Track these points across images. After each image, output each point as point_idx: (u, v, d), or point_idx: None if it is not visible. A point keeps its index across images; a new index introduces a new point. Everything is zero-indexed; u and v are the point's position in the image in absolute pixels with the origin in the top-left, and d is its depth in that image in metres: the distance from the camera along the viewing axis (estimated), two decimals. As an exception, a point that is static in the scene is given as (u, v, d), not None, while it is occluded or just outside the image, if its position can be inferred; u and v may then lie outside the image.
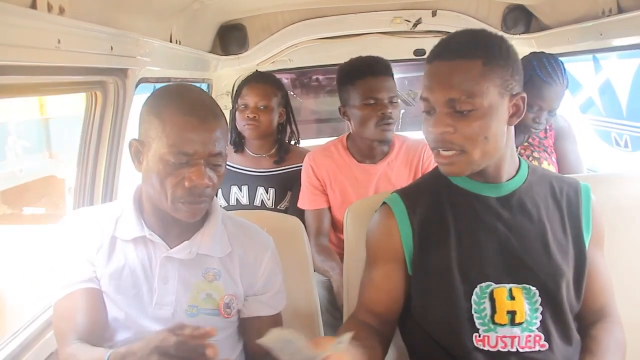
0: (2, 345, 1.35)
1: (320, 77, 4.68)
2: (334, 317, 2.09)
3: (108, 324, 1.36)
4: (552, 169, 2.38)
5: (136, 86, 1.89)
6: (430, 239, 1.35)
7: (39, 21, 1.20)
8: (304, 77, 4.65)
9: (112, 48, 1.52)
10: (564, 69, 2.22)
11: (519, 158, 1.41)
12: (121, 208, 1.39)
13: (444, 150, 1.28)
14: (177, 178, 1.26)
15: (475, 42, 1.28)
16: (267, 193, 2.47)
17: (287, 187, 2.49)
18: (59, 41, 1.24)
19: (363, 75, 2.15)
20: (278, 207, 2.47)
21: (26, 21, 1.16)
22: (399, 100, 2.19)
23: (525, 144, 2.41)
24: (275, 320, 1.48)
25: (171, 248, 1.36)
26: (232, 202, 2.50)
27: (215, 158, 1.28)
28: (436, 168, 1.47)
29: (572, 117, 2.77)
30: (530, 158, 2.38)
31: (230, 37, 2.88)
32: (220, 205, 2.46)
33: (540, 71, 2.17)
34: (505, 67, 1.26)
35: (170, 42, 2.17)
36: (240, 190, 2.49)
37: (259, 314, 1.46)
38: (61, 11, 1.29)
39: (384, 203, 1.43)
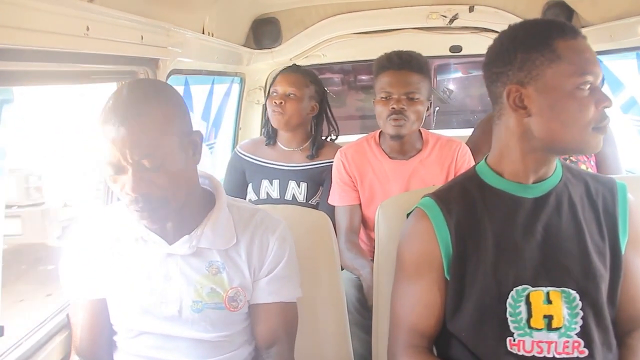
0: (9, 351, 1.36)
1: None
2: (362, 317, 2.05)
3: (107, 336, 1.40)
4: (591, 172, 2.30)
5: (167, 77, 1.88)
6: (466, 242, 1.31)
7: (68, 7, 1.19)
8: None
9: (142, 37, 1.52)
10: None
11: None
12: (124, 207, 1.36)
13: (607, 125, 1.25)
14: (120, 188, 1.23)
15: None
16: (299, 187, 2.45)
17: (319, 182, 2.46)
18: (87, 28, 1.24)
19: (385, 69, 2.12)
20: (310, 202, 2.45)
21: (55, 7, 1.16)
22: (422, 98, 2.12)
23: None
24: (282, 312, 1.41)
25: (171, 243, 1.34)
26: (263, 195, 2.48)
27: (149, 161, 1.20)
28: (468, 170, 1.44)
29: (613, 117, 2.68)
30: (567, 160, 2.30)
31: (264, 31, 2.87)
32: (250, 200, 2.49)
33: None
34: None
35: (203, 33, 2.16)
36: (272, 184, 2.48)
37: (259, 301, 1.40)
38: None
39: (417, 207, 1.38)
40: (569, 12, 2.71)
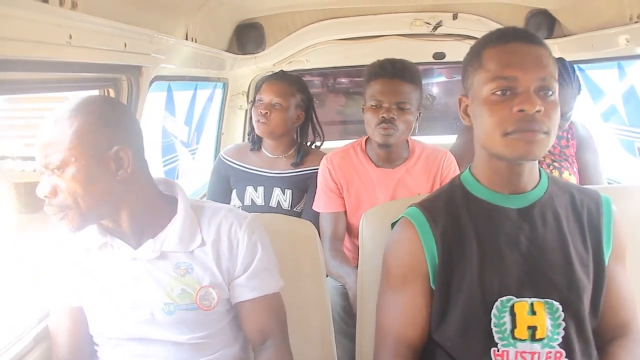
0: None
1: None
2: (347, 325, 2.04)
3: (87, 344, 1.41)
4: (573, 179, 2.32)
5: (150, 84, 1.86)
6: (452, 251, 1.31)
7: (51, 15, 1.17)
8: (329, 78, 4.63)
9: (125, 45, 1.49)
10: (573, 71, 2.17)
11: (539, 168, 1.36)
12: None
13: (530, 130, 1.21)
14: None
15: (534, 33, 1.29)
16: (284, 194, 2.44)
17: (304, 189, 2.45)
18: (70, 36, 1.22)
19: (377, 76, 2.11)
20: (294, 209, 2.44)
21: (37, 15, 1.13)
22: (413, 108, 2.12)
23: (546, 152, 2.34)
24: (268, 305, 1.42)
25: (136, 248, 1.35)
26: (247, 202, 2.47)
27: (53, 166, 1.24)
28: (453, 179, 1.43)
29: (593, 126, 2.71)
30: (551, 167, 2.31)
31: (248, 36, 2.85)
32: (235, 206, 2.47)
33: None
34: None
35: (186, 39, 2.14)
36: (256, 191, 2.46)
37: (242, 299, 1.40)
38: (74, 6, 1.26)
39: (402, 217, 1.38)
40: (551, 20, 2.74)
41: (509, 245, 1.29)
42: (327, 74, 4.52)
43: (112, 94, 1.72)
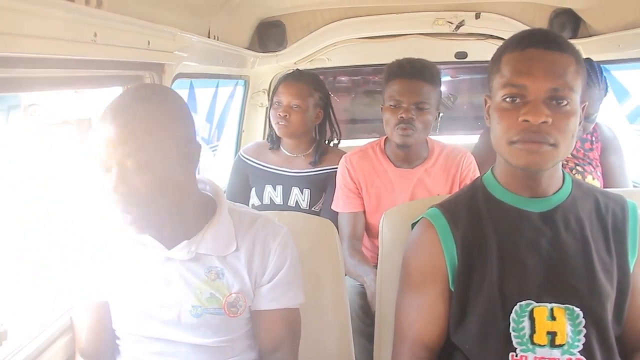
0: (12, 354, 1.35)
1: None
2: (365, 324, 2.04)
3: (110, 338, 1.41)
4: (597, 184, 2.28)
5: (173, 81, 1.88)
6: (472, 253, 1.30)
7: (77, 14, 1.18)
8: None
9: (149, 42, 1.51)
10: (601, 72, 2.14)
11: (562, 171, 1.35)
12: None
13: (533, 141, 1.19)
14: (104, 188, 1.24)
15: (565, 39, 1.25)
16: (302, 194, 2.44)
17: (322, 188, 2.45)
18: (95, 34, 1.23)
19: (396, 76, 2.10)
20: (312, 209, 2.44)
21: (63, 13, 1.14)
22: (432, 108, 2.10)
23: (569, 155, 2.31)
24: (285, 318, 1.40)
25: (170, 248, 1.33)
26: (266, 201, 2.47)
27: (133, 162, 1.19)
28: (475, 181, 1.42)
29: (619, 127, 2.66)
30: (574, 172, 2.28)
31: (269, 34, 2.85)
32: (253, 204, 2.48)
33: None
34: (584, 71, 1.25)
35: (209, 37, 2.15)
36: (275, 190, 2.47)
37: (260, 307, 1.39)
38: (99, 4, 1.27)
39: (423, 218, 1.37)
40: (576, 20, 2.70)
41: (529, 249, 1.28)
42: (360, 71, 4.52)
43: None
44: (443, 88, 2.26)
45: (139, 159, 1.18)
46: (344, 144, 2.63)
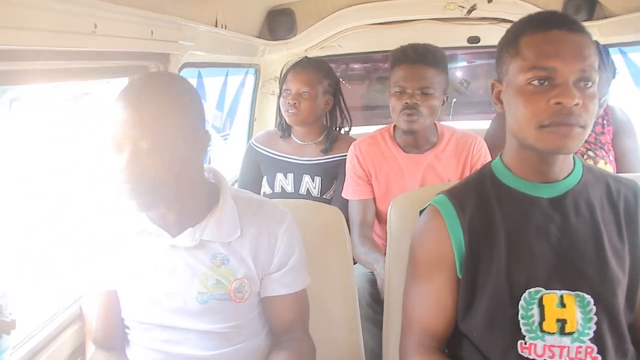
0: (22, 342, 1.38)
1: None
2: (374, 311, 2.04)
3: (120, 326, 1.42)
4: (610, 168, 2.24)
5: (179, 71, 1.88)
6: (479, 241, 1.28)
7: (76, 5, 1.19)
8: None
9: (152, 33, 1.51)
10: (607, 55, 2.08)
11: (573, 156, 1.32)
12: None
13: (565, 124, 1.16)
14: (116, 168, 1.26)
15: (577, 20, 1.23)
16: (313, 182, 2.44)
17: (333, 176, 2.45)
18: (95, 25, 1.23)
19: (400, 62, 2.09)
20: (324, 197, 2.44)
21: (62, 5, 1.15)
22: (437, 93, 2.08)
23: None
24: (296, 300, 1.44)
25: (175, 236, 1.35)
26: (277, 189, 2.48)
27: (147, 142, 1.23)
28: (483, 167, 1.40)
29: (636, 110, 2.61)
30: (585, 157, 2.23)
31: (279, 22, 2.84)
32: (265, 193, 2.49)
33: None
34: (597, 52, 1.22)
35: (216, 26, 2.15)
36: (286, 178, 2.47)
37: (273, 294, 1.42)
38: None
39: (430, 205, 1.36)
40: (592, 2, 2.65)
41: (538, 235, 1.26)
42: (372, 58, 4.51)
43: (141, 82, 1.73)
44: (459, 73, 2.23)
45: (154, 139, 1.21)
46: (360, 130, 2.62)
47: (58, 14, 1.14)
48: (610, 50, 2.33)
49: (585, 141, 2.25)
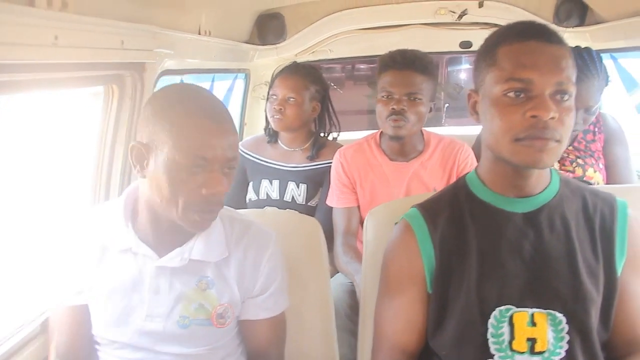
0: None
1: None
2: (353, 323, 2.02)
3: (88, 342, 1.37)
4: (599, 176, 2.20)
5: (157, 79, 1.86)
6: (450, 256, 1.26)
7: (35, 18, 1.17)
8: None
9: (122, 42, 1.49)
10: (600, 62, 2.05)
11: (550, 169, 1.29)
12: (112, 213, 1.35)
13: (540, 138, 1.14)
14: (192, 185, 1.20)
15: (555, 31, 1.21)
16: (298, 189, 2.42)
17: (319, 183, 2.43)
18: (56, 37, 1.22)
19: (387, 68, 2.08)
20: (309, 204, 2.42)
21: (21, 18, 1.14)
22: (424, 99, 2.06)
23: (570, 147, 2.23)
24: (275, 324, 1.42)
25: (162, 256, 1.31)
26: (262, 196, 2.46)
27: (231, 163, 1.24)
28: (459, 179, 1.38)
29: (627, 118, 2.57)
30: (574, 164, 2.20)
31: (269, 27, 2.84)
32: (250, 199, 2.47)
33: None
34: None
35: (199, 33, 2.14)
36: (271, 184, 2.46)
37: (253, 318, 1.40)
38: (64, 6, 1.26)
39: (402, 219, 1.34)
40: (583, 8, 2.62)
41: (511, 251, 1.24)
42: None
43: (116, 90, 1.73)
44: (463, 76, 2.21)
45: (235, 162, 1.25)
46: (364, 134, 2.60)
47: (16, 27, 1.13)
48: (602, 56, 2.30)
49: (575, 149, 2.23)
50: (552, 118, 1.12)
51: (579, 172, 2.19)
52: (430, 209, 1.32)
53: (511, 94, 1.16)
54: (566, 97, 1.15)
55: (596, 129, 2.28)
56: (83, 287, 1.35)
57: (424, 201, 1.37)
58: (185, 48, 1.98)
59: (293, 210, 2.34)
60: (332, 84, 2.65)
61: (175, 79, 2.11)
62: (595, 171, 2.22)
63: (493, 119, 1.19)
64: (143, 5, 1.66)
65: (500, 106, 1.17)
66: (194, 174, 1.20)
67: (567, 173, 2.18)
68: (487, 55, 1.22)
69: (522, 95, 1.15)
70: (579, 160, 2.22)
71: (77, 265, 1.35)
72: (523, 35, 1.18)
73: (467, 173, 1.37)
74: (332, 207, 2.25)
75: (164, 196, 1.22)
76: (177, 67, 2.07)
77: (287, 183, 2.44)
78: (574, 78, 1.17)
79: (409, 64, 2.04)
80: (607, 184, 2.21)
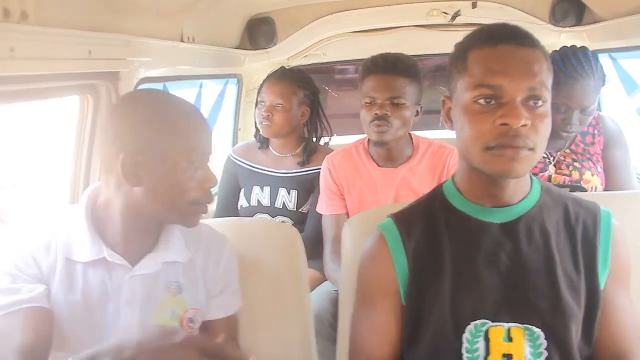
0: None
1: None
2: (335, 330, 1.98)
3: (45, 350, 1.26)
4: (597, 180, 2.13)
5: (135, 87, 1.84)
6: (424, 268, 1.22)
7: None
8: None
9: (90, 52, 1.46)
10: (596, 61, 1.98)
11: (531, 176, 1.24)
12: (72, 223, 1.28)
13: (512, 146, 1.09)
14: (196, 181, 1.23)
15: (529, 32, 1.16)
16: (289, 195, 2.40)
17: (310, 189, 2.40)
18: (12, 49, 1.19)
19: (369, 72, 2.03)
20: (300, 210, 2.39)
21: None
22: (408, 103, 2.01)
23: (567, 150, 2.17)
24: (230, 322, 1.42)
25: (134, 264, 1.27)
26: (254, 202, 2.44)
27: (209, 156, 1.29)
28: (435, 188, 1.33)
29: (626, 120, 2.50)
30: (571, 168, 2.14)
31: (259, 31, 2.82)
32: (241, 206, 2.44)
33: (564, 65, 1.94)
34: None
35: (182, 40, 2.11)
36: (262, 191, 2.43)
37: (214, 317, 1.38)
38: (23, 17, 1.24)
39: (376, 229, 1.30)
40: (580, 7, 2.55)
41: (487, 263, 1.19)
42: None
43: (91, 100, 1.70)
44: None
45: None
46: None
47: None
48: (600, 56, 2.23)
49: (573, 152, 2.17)
50: (524, 125, 1.07)
51: (575, 175, 2.13)
52: (405, 219, 1.28)
53: (481, 101, 1.11)
54: (540, 102, 1.10)
55: (595, 131, 2.21)
56: (42, 294, 1.24)
57: (398, 211, 1.33)
58: (164, 55, 1.95)
59: (266, 218, 2.32)
60: (326, 87, 2.61)
61: (157, 87, 2.08)
62: (593, 174, 2.15)
63: (464, 126, 1.14)
64: (115, 14, 1.63)
65: (470, 114, 1.12)
66: (196, 170, 1.23)
67: (563, 176, 2.13)
68: (458, 60, 1.17)
69: (492, 102, 1.10)
70: (576, 164, 2.16)
71: (41, 270, 1.25)
72: (493, 39, 1.12)
73: (444, 182, 1.32)
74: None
75: (166, 200, 1.23)
76: (162, 75, 2.04)
77: (278, 189, 2.41)
78: (549, 83, 1.12)
79: (390, 67, 2.00)
80: (606, 187, 2.15)
